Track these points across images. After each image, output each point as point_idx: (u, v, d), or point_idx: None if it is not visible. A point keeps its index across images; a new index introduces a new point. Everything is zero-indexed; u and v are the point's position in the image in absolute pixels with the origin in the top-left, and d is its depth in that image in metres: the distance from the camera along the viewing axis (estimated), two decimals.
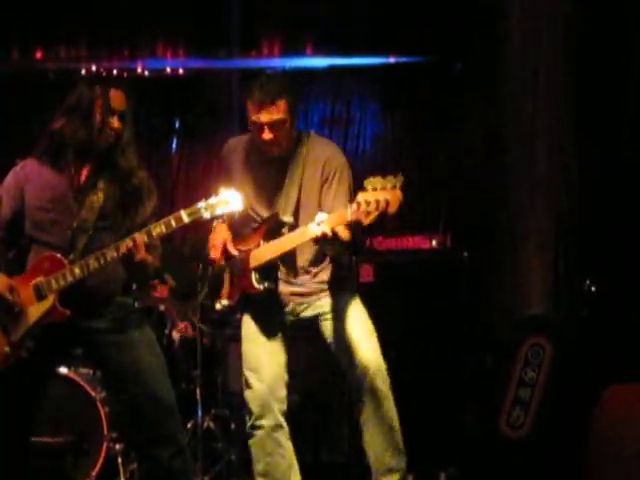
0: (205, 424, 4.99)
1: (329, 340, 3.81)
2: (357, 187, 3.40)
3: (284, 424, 3.84)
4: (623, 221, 4.98)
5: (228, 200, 3.34)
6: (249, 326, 3.88)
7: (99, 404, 4.63)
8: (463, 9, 5.88)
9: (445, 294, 4.99)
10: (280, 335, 3.86)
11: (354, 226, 3.44)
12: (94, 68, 6.24)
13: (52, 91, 3.73)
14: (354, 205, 3.32)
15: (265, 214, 3.78)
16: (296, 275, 3.80)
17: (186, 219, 3.33)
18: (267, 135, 3.65)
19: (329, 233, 3.45)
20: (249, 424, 3.84)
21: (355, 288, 3.93)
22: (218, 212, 3.34)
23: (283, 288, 3.81)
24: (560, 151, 5.28)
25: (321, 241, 3.52)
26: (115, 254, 3.35)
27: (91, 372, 4.77)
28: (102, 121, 3.45)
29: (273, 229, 3.71)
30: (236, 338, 4.18)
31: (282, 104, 3.63)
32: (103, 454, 4.59)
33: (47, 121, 3.55)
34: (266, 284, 3.74)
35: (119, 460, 4.67)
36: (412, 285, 5.00)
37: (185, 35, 6.39)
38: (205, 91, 6.46)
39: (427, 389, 4.83)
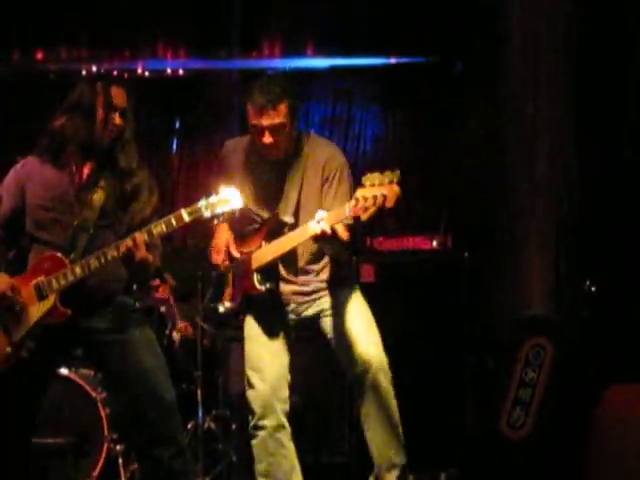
0: (206, 425, 4.99)
1: (330, 336, 3.80)
2: (358, 184, 3.41)
3: (286, 424, 3.84)
4: (623, 221, 4.98)
5: (228, 198, 3.34)
6: (252, 326, 3.88)
7: (100, 405, 4.63)
8: (463, 9, 5.88)
9: (446, 294, 4.99)
10: (282, 335, 3.86)
11: (354, 224, 3.45)
12: (95, 69, 6.24)
13: (53, 92, 3.72)
14: (352, 201, 3.33)
15: (265, 215, 3.78)
16: (297, 274, 3.80)
17: (187, 218, 3.33)
18: (268, 139, 3.65)
19: (328, 230, 3.45)
20: (251, 424, 3.84)
21: (356, 283, 3.93)
22: (218, 210, 3.34)
23: (284, 288, 3.81)
24: (560, 151, 5.28)
25: (321, 239, 3.52)
26: (116, 253, 3.35)
27: (92, 373, 4.76)
28: (104, 118, 3.45)
29: (274, 230, 3.71)
30: (237, 338, 4.18)
31: (283, 108, 3.63)
32: (104, 455, 4.59)
33: (48, 122, 3.55)
34: (268, 285, 3.74)
35: (120, 461, 4.66)
36: (413, 285, 5.00)
37: (185, 36, 6.39)
38: (205, 92, 6.46)
39: (428, 389, 4.83)
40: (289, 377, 3.86)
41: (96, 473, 4.58)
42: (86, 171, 3.51)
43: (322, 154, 3.78)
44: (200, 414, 4.92)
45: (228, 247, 3.78)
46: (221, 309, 3.89)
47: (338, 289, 3.82)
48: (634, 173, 4.99)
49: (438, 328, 4.94)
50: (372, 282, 4.98)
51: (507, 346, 4.64)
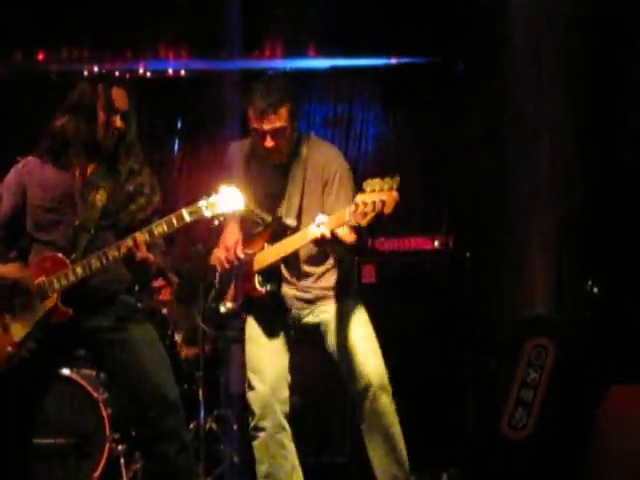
0: (207, 425, 4.98)
1: (331, 350, 3.81)
2: (359, 187, 3.41)
3: (286, 425, 3.85)
4: (624, 221, 4.97)
5: (229, 198, 3.34)
6: (252, 328, 3.89)
7: (101, 405, 4.63)
8: (464, 9, 5.88)
9: (447, 295, 5.00)
10: (283, 337, 3.87)
11: (358, 228, 3.45)
12: (96, 69, 6.24)
13: (54, 92, 3.71)
14: (352, 206, 3.34)
15: (268, 218, 3.78)
16: (299, 278, 3.81)
17: (188, 217, 3.33)
18: (269, 143, 3.66)
19: (328, 234, 3.46)
20: (251, 425, 3.85)
21: (358, 295, 3.92)
22: (219, 210, 3.34)
23: (287, 291, 3.81)
24: (561, 151, 5.28)
25: (321, 243, 3.53)
26: (117, 254, 3.35)
27: (93, 373, 4.77)
28: (105, 120, 3.45)
29: (277, 232, 3.72)
30: (239, 339, 4.18)
31: (284, 112, 3.64)
32: (105, 455, 4.59)
33: (49, 122, 3.55)
34: (269, 287, 3.75)
35: (121, 461, 4.66)
36: (414, 286, 5.00)
37: (187, 36, 6.38)
38: (207, 92, 6.45)
39: (429, 390, 4.84)
40: (289, 378, 3.87)
41: (97, 474, 4.58)
42: (87, 171, 3.52)
43: (322, 157, 3.78)
44: (202, 414, 4.91)
45: (236, 246, 3.78)
46: (222, 309, 3.90)
47: (339, 299, 3.82)
48: (634, 173, 4.98)
49: (439, 328, 4.94)
50: (374, 282, 4.99)
51: (509, 346, 4.64)
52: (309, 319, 3.84)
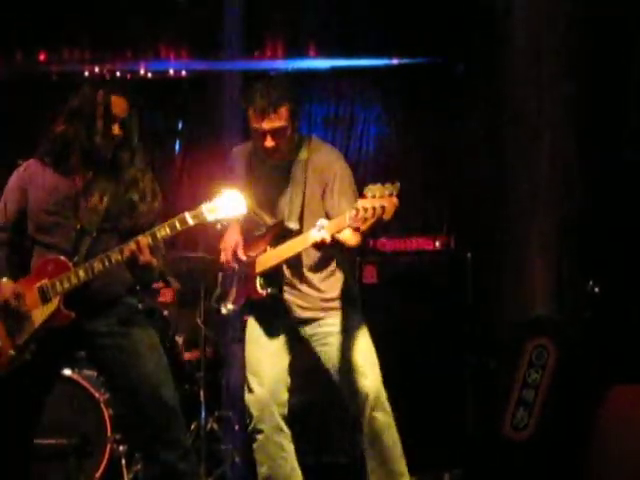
0: (209, 426, 4.99)
1: (329, 366, 3.82)
2: (360, 188, 3.43)
3: (285, 428, 3.86)
4: (624, 221, 4.98)
5: (232, 203, 3.35)
6: (253, 330, 3.90)
7: (103, 406, 4.64)
8: (464, 9, 5.88)
9: (449, 295, 5.00)
10: (283, 339, 3.87)
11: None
12: (97, 70, 6.24)
13: (55, 93, 3.72)
14: (353, 211, 3.35)
15: (270, 221, 3.79)
16: (301, 281, 3.81)
17: (190, 221, 3.33)
18: (269, 142, 3.66)
19: (328, 239, 3.48)
20: (250, 428, 3.87)
21: (359, 302, 3.92)
22: (222, 214, 3.34)
23: (288, 296, 3.82)
24: (561, 151, 5.27)
25: (322, 247, 3.54)
26: (120, 257, 3.36)
27: (95, 374, 4.75)
28: (103, 128, 3.45)
29: (279, 235, 3.73)
30: (240, 339, 4.18)
31: (284, 111, 3.64)
32: (107, 456, 4.60)
33: (50, 124, 3.55)
34: (269, 290, 3.75)
35: (123, 462, 4.67)
36: (416, 286, 5.01)
37: (187, 37, 6.38)
38: (207, 93, 6.45)
39: (431, 390, 4.84)
40: (289, 380, 3.88)
41: (99, 474, 4.59)
42: (89, 175, 3.51)
43: (323, 159, 3.79)
44: (203, 415, 4.93)
45: (236, 248, 3.79)
46: (224, 311, 3.91)
47: (340, 312, 3.82)
48: (634, 173, 4.99)
49: (441, 329, 4.95)
50: (375, 283, 4.99)
51: (510, 347, 4.65)
52: (308, 330, 3.84)
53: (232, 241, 3.81)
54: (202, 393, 4.96)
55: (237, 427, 5.02)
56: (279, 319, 3.85)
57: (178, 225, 3.34)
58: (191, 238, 5.46)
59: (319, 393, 4.90)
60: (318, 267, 3.81)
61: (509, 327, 5.03)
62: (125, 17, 5.91)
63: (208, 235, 4.05)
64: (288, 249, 3.68)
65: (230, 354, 5.09)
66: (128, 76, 6.37)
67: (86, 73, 6.22)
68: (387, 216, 3.27)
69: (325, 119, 6.57)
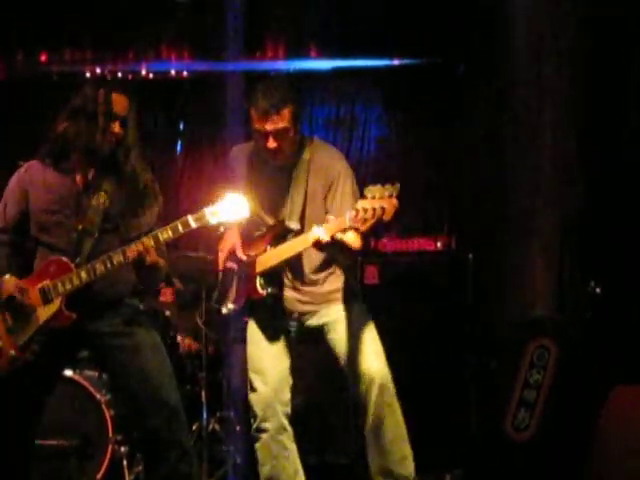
0: (210, 426, 4.99)
1: (335, 352, 3.83)
2: (361, 189, 3.43)
3: (288, 427, 3.87)
4: (624, 221, 4.98)
5: (235, 206, 3.35)
6: (254, 329, 3.91)
7: (104, 407, 4.64)
8: (464, 10, 5.88)
9: (450, 296, 5.01)
10: (284, 339, 3.89)
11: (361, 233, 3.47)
12: (98, 71, 6.24)
13: (56, 94, 3.72)
14: (353, 212, 3.36)
15: (271, 221, 3.79)
16: (302, 282, 3.82)
17: (193, 224, 3.34)
18: (271, 144, 3.67)
19: (328, 239, 3.48)
20: (254, 427, 3.88)
21: (361, 297, 3.94)
22: (225, 218, 3.35)
23: (289, 294, 3.83)
24: (561, 151, 5.27)
25: (322, 247, 3.55)
26: (122, 258, 3.36)
27: (96, 374, 4.77)
28: (103, 126, 3.45)
29: (279, 235, 3.74)
30: (241, 339, 4.19)
31: (286, 113, 3.65)
32: (108, 457, 4.59)
33: (51, 124, 3.55)
34: (270, 290, 3.76)
35: (124, 463, 4.67)
36: (417, 287, 5.01)
37: (189, 38, 6.38)
38: (209, 93, 6.45)
39: (431, 391, 4.84)
40: (291, 380, 3.89)
41: (100, 475, 4.58)
42: (89, 175, 3.52)
43: (325, 160, 3.80)
44: (204, 416, 4.93)
45: (235, 249, 3.80)
46: (224, 311, 3.92)
47: (343, 301, 3.83)
48: (634, 173, 4.99)
49: (443, 330, 4.95)
50: (376, 284, 4.99)
51: (511, 347, 4.64)
52: (312, 322, 3.86)
53: (231, 241, 3.82)
54: (204, 394, 4.96)
55: (239, 428, 5.02)
56: (280, 320, 3.87)
57: (181, 228, 3.35)
58: (192, 238, 5.45)
59: (322, 394, 4.91)
60: (319, 268, 3.81)
61: (509, 327, 5.03)
62: (126, 18, 5.90)
63: (209, 235, 4.05)
64: (288, 249, 3.69)
65: (231, 355, 5.08)
66: (129, 77, 6.38)
67: (87, 74, 6.23)
68: (387, 217, 3.28)
69: (326, 120, 6.58)
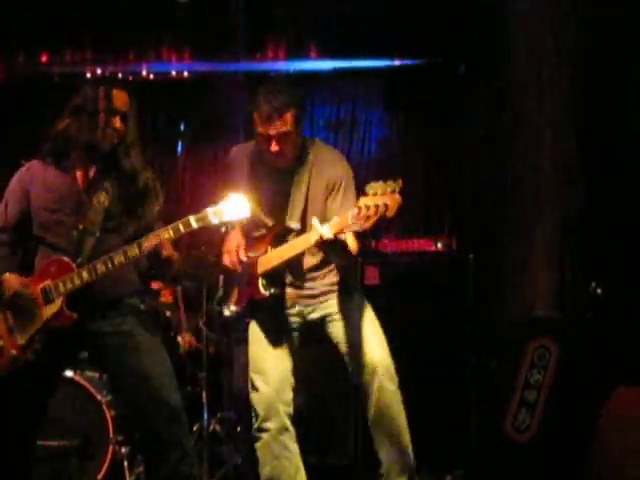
0: (211, 427, 5.00)
1: (337, 342, 3.83)
2: (360, 190, 3.42)
3: (290, 427, 3.86)
4: (624, 221, 4.98)
5: (236, 206, 3.35)
6: (256, 330, 3.90)
7: (105, 407, 4.64)
8: (464, 10, 5.88)
9: (450, 296, 5.00)
10: (286, 339, 3.88)
11: (362, 233, 3.46)
12: (99, 71, 6.25)
13: (57, 94, 3.72)
14: (355, 209, 3.34)
15: (271, 221, 3.78)
16: (303, 281, 3.82)
17: (195, 225, 3.33)
18: (274, 147, 3.67)
19: (331, 237, 3.47)
20: (255, 427, 3.86)
21: (360, 289, 3.95)
22: (226, 218, 3.34)
23: (290, 292, 3.83)
24: (562, 151, 5.28)
25: (324, 246, 3.54)
26: (123, 259, 3.36)
27: (97, 375, 4.77)
28: (104, 122, 3.45)
29: (280, 236, 3.73)
30: (242, 340, 4.19)
31: (289, 117, 3.65)
32: (109, 457, 4.59)
33: (52, 124, 3.55)
34: (272, 290, 3.76)
35: (125, 463, 4.67)
36: (417, 287, 5.01)
37: (189, 38, 6.38)
38: (210, 94, 6.45)
39: (431, 391, 4.84)
40: (293, 380, 3.88)
41: (101, 476, 4.58)
42: (90, 173, 3.53)
43: (326, 162, 3.80)
44: (205, 416, 4.93)
45: (238, 250, 3.79)
46: (226, 312, 3.91)
47: (345, 294, 3.84)
48: (634, 173, 4.99)
49: (444, 330, 4.95)
50: (377, 284, 5.00)
51: (512, 347, 4.65)
52: (314, 315, 3.86)
53: (234, 242, 3.82)
54: (204, 394, 4.96)
55: (239, 428, 5.02)
56: (282, 320, 3.86)
57: (182, 228, 3.34)
58: (193, 238, 5.45)
59: (323, 394, 4.90)
60: (318, 266, 3.82)
61: (510, 327, 5.03)
62: (127, 18, 5.91)
63: (210, 235, 4.05)
64: (290, 249, 3.68)
65: (232, 355, 5.08)
66: (130, 77, 6.38)
67: (88, 74, 6.23)
68: (390, 213, 3.25)
69: (327, 121, 6.59)
